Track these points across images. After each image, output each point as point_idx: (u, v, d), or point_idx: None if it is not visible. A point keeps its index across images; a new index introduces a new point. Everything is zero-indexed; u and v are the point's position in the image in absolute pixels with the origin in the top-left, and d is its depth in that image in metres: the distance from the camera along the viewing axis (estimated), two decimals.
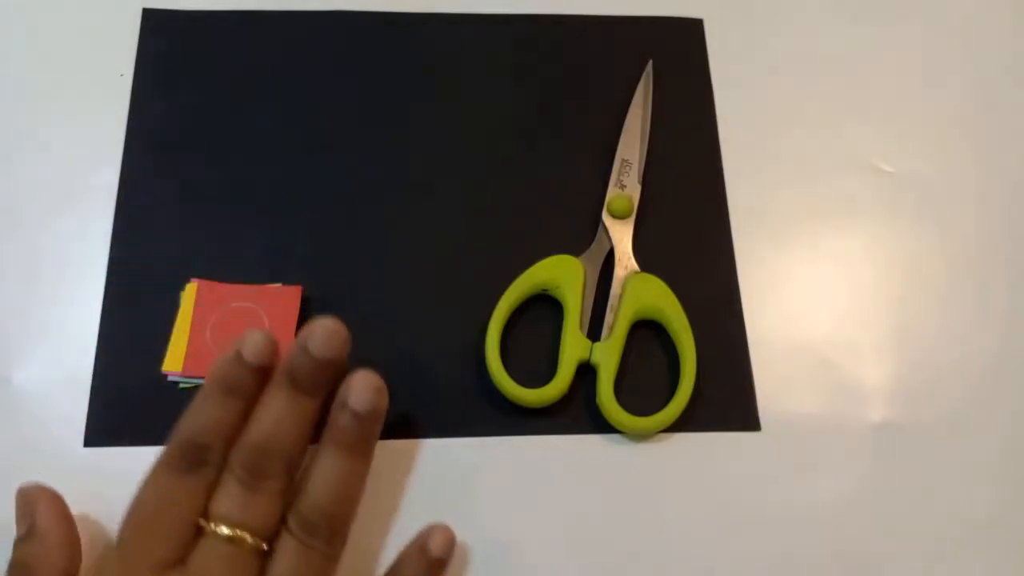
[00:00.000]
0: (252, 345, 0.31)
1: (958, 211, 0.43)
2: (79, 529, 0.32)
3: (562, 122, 0.44)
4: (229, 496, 0.30)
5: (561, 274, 0.39)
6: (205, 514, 0.30)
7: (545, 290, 0.39)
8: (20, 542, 0.30)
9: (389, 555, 0.34)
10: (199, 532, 0.30)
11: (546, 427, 0.37)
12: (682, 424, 0.37)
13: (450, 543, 0.32)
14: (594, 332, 0.38)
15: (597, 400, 0.37)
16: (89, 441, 0.36)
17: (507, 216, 0.41)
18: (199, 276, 0.38)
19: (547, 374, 0.37)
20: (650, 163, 0.42)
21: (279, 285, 0.38)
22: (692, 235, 0.42)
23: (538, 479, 0.36)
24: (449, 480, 0.36)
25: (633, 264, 0.40)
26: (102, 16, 0.44)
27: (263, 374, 0.32)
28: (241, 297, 0.37)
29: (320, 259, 0.40)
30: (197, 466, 0.30)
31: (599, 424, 0.37)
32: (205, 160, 0.41)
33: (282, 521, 0.31)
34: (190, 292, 0.37)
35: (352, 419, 0.31)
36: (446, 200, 0.41)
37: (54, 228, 0.40)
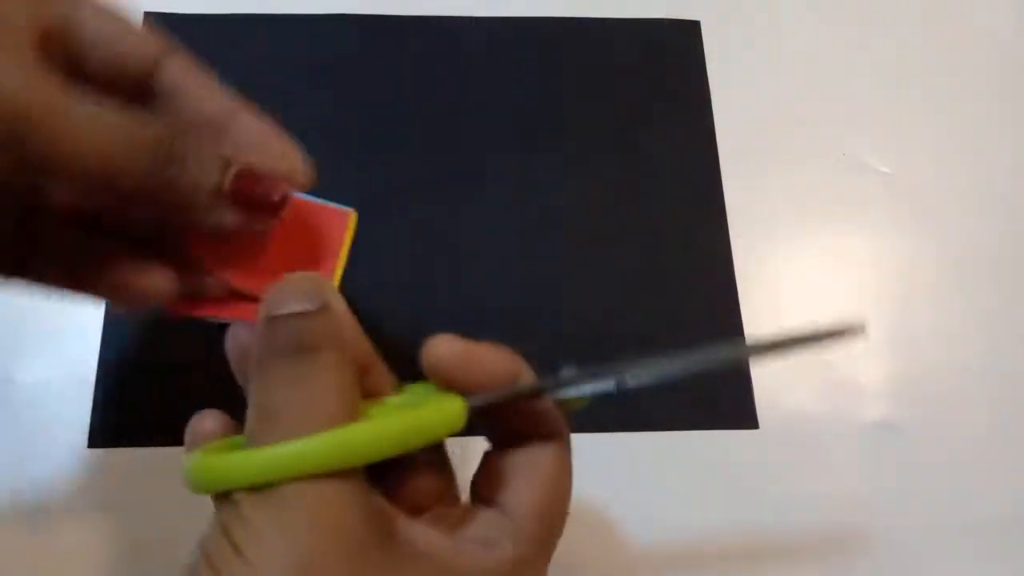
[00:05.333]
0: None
1: (955, 211, 0.44)
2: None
3: (561, 124, 0.44)
4: None
5: None
6: None
7: None
8: (299, 317, 0.24)
9: None
10: None
11: None
12: (681, 422, 0.38)
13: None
14: None
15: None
16: (93, 442, 0.36)
17: (508, 215, 0.42)
18: None
19: None
20: (648, 164, 0.43)
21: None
22: (690, 235, 0.42)
23: None
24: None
25: None
26: None
27: None
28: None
29: None
30: None
31: (595, 422, 0.38)
32: None
33: None
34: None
35: None
36: (449, 204, 0.42)
37: None
